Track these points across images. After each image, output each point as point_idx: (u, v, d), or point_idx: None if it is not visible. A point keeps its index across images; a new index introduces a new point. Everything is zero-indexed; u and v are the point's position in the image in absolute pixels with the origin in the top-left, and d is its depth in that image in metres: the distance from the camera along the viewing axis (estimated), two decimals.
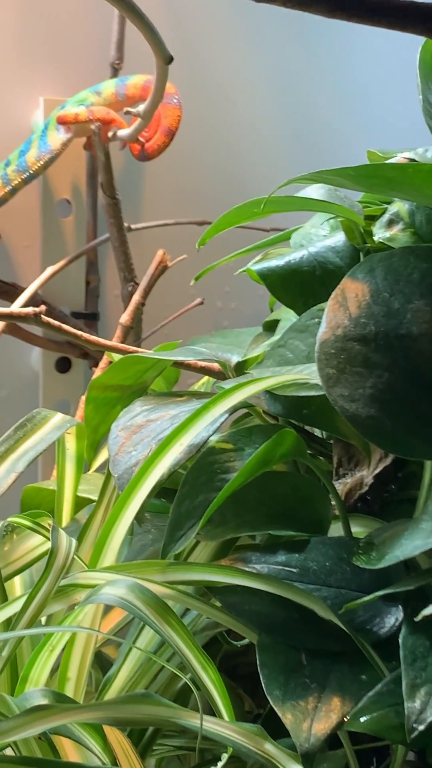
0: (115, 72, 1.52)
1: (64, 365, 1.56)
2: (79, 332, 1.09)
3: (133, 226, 1.48)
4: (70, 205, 1.54)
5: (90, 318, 1.57)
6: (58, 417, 0.99)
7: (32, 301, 1.51)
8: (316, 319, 0.84)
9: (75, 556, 0.82)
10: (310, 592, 0.81)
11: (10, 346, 1.54)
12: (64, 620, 0.77)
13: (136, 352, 1.12)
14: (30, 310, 1.04)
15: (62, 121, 1.36)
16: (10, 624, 0.77)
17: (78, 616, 0.75)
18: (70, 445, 1.08)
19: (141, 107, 1.13)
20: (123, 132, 1.30)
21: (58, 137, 1.37)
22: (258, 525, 0.89)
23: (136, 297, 1.33)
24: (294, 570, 0.85)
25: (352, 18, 0.56)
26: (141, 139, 1.36)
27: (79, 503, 1.05)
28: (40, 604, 0.75)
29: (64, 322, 1.51)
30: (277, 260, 0.99)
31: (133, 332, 1.50)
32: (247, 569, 0.84)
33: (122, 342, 1.33)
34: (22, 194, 1.45)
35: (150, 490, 0.86)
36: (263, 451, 0.80)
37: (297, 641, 0.79)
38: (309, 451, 0.88)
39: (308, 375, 0.79)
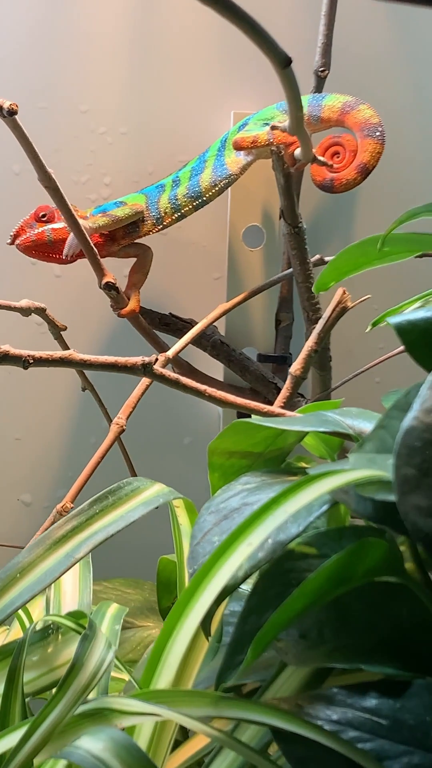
0: (320, 81, 1.38)
1: (247, 414, 1.43)
2: (203, 387, 0.96)
3: (327, 258, 1.33)
4: (262, 233, 1.41)
5: (279, 361, 1.43)
6: (152, 490, 0.87)
7: (208, 342, 1.41)
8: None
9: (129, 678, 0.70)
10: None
11: None
12: None
13: (272, 413, 0.98)
14: (139, 359, 0.93)
15: (238, 147, 1.24)
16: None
17: None
18: (183, 520, 0.95)
19: (286, 123, 0.98)
20: (298, 151, 1.15)
21: (237, 159, 1.25)
22: (354, 655, 0.72)
23: (310, 343, 1.18)
24: (383, 722, 0.67)
25: None
26: (330, 162, 1.21)
27: None
28: (42, 739, 0.63)
29: (243, 367, 1.41)
30: (425, 312, 0.81)
31: (321, 381, 1.35)
32: (321, 714, 0.67)
33: (290, 395, 1.19)
34: (210, 220, 1.36)
35: (217, 595, 0.71)
36: (334, 567, 0.64)
37: None
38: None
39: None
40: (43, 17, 1.44)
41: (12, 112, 1.00)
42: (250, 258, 1.41)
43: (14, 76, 1.45)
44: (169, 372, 0.95)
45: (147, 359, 0.93)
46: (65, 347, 1.32)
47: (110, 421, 1.35)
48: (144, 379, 1.24)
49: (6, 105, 0.99)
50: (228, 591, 0.72)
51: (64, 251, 1.24)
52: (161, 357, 1.23)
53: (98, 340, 1.49)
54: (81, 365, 0.93)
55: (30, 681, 0.76)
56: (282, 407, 1.20)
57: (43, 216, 1.25)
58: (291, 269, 1.30)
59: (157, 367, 0.94)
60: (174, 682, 0.74)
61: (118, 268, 1.41)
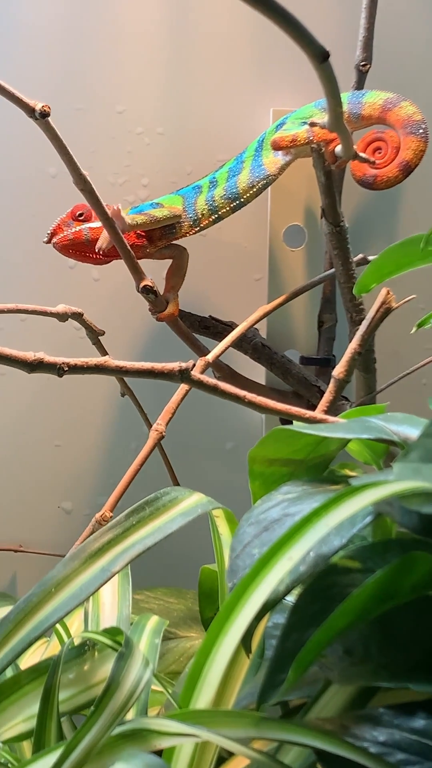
0: (362, 76, 1.35)
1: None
2: (243, 393, 0.94)
3: (370, 257, 1.30)
4: (303, 233, 1.39)
5: (323, 364, 1.41)
6: (191, 500, 0.85)
7: (250, 345, 1.38)
8: None
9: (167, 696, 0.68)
10: None
11: None
12: None
13: (314, 419, 0.96)
14: (176, 365, 0.91)
15: (277, 147, 1.21)
16: None
17: None
18: (223, 530, 0.93)
19: (326, 119, 0.96)
20: (339, 148, 1.13)
21: (275, 160, 1.22)
22: (401, 673, 0.70)
23: (353, 345, 1.16)
24: None
25: None
26: (373, 159, 1.18)
27: None
28: (76, 763, 0.61)
29: (285, 370, 1.39)
30: None
31: (366, 384, 1.33)
32: (367, 736, 0.65)
33: (334, 399, 1.16)
34: (250, 220, 1.34)
35: (257, 611, 0.69)
36: (379, 583, 0.61)
37: None
38: None
39: None
40: (78, 17, 1.43)
41: (44, 114, 0.98)
42: (291, 258, 1.39)
43: (50, 77, 1.44)
44: (207, 378, 0.93)
45: (184, 365, 0.91)
46: (103, 352, 1.30)
47: (150, 426, 1.34)
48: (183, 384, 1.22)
49: (38, 107, 0.98)
50: (269, 606, 0.70)
51: (97, 245, 1.22)
52: (201, 361, 1.21)
53: (137, 344, 1.48)
54: (117, 372, 0.92)
55: (67, 699, 0.74)
56: (325, 411, 1.18)
57: (80, 215, 1.24)
58: (333, 269, 1.28)
59: (195, 372, 0.92)
60: (214, 701, 0.72)
61: (155, 271, 1.40)
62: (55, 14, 1.43)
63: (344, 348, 1.39)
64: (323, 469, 0.97)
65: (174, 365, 0.92)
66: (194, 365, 0.92)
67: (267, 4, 0.69)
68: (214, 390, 0.94)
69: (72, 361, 0.91)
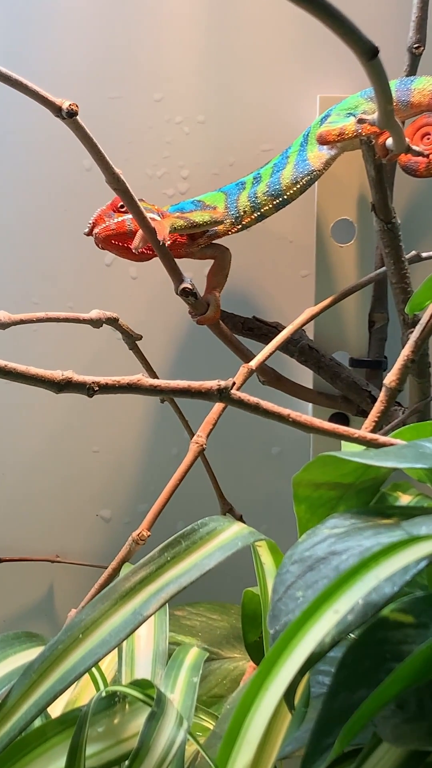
0: (415, 58, 1.29)
1: (339, 423, 1.35)
2: (287, 412, 0.89)
3: (424, 254, 1.24)
4: (353, 228, 1.33)
5: (374, 366, 1.35)
6: (230, 532, 0.80)
7: (296, 347, 1.33)
8: None
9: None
10: None
11: (283, 396, 1.37)
12: None
13: (363, 438, 0.91)
14: (214, 383, 0.86)
15: (323, 141, 1.15)
16: None
17: None
18: (266, 559, 0.89)
19: (375, 116, 0.89)
20: (390, 141, 1.07)
21: (319, 154, 1.16)
22: None
23: (406, 351, 1.10)
24: None
25: None
26: (427, 152, 1.12)
27: None
28: None
29: (334, 373, 1.33)
30: None
31: (420, 390, 1.27)
32: None
33: (385, 408, 1.11)
34: (296, 214, 1.28)
35: (300, 666, 0.65)
36: None
37: None
38: None
39: None
40: (112, 3, 1.38)
41: (72, 113, 0.93)
42: (340, 254, 1.33)
43: (83, 65, 1.39)
44: (247, 396, 0.88)
45: (223, 384, 0.87)
46: (141, 357, 1.26)
47: (191, 433, 1.29)
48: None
49: (65, 105, 0.93)
50: (313, 661, 0.66)
51: (133, 244, 1.16)
52: (243, 368, 1.16)
53: (176, 348, 1.43)
54: (151, 392, 0.87)
55: (95, 754, 0.70)
56: (376, 422, 1.12)
57: (122, 206, 1.18)
58: (384, 267, 1.22)
59: (234, 391, 0.88)
60: (254, 761, 0.67)
61: (197, 270, 1.35)
62: (89, 2, 1.37)
63: (396, 349, 1.33)
64: (374, 492, 0.92)
65: (212, 384, 0.87)
66: (233, 384, 0.87)
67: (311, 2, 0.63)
68: (255, 409, 0.89)
69: (102, 380, 0.86)
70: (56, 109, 0.93)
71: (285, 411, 0.89)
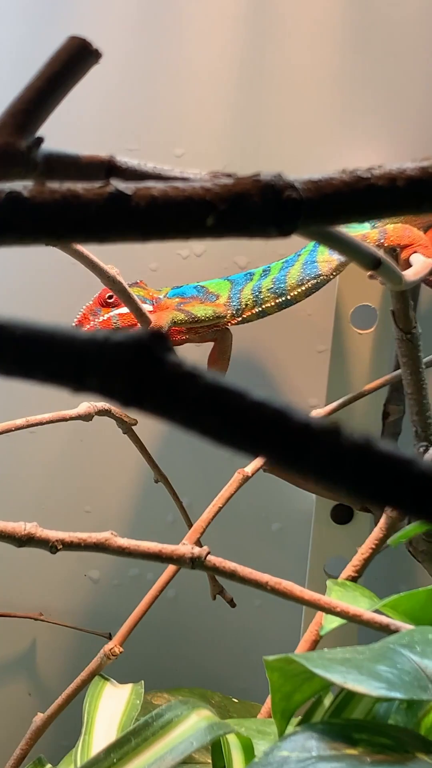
0: None
1: (343, 515, 1.30)
2: (265, 579, 0.84)
3: None
4: (375, 314, 1.26)
5: None
6: (189, 723, 0.76)
7: None
8: None
9: None
10: None
11: (285, 485, 1.33)
12: None
13: (346, 613, 0.86)
14: (187, 550, 0.82)
15: None
16: None
17: None
18: (236, 757, 0.84)
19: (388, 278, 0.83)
20: (415, 256, 1.00)
21: (329, 259, 1.10)
22: None
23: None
24: None
25: None
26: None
27: None
28: None
29: None
30: None
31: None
32: None
33: (385, 537, 1.06)
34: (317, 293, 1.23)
35: None
36: None
37: None
38: None
39: None
40: (133, 48, 1.31)
41: None
42: (358, 340, 1.26)
43: (101, 114, 1.32)
44: (223, 562, 0.84)
45: (197, 552, 0.82)
46: (136, 440, 1.21)
47: (189, 524, 1.24)
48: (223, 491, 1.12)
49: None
50: None
51: None
52: (239, 474, 1.11)
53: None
54: (119, 553, 0.83)
55: None
56: (373, 549, 1.07)
57: (110, 298, 1.13)
58: (398, 371, 1.16)
59: (210, 558, 0.83)
60: None
61: (197, 353, 1.29)
62: (107, 44, 1.30)
63: (410, 445, 1.28)
64: None
65: (185, 549, 0.82)
66: (208, 553, 0.82)
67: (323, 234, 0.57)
68: (232, 576, 0.84)
69: (67, 537, 0.83)
70: None
71: (263, 578, 0.84)
